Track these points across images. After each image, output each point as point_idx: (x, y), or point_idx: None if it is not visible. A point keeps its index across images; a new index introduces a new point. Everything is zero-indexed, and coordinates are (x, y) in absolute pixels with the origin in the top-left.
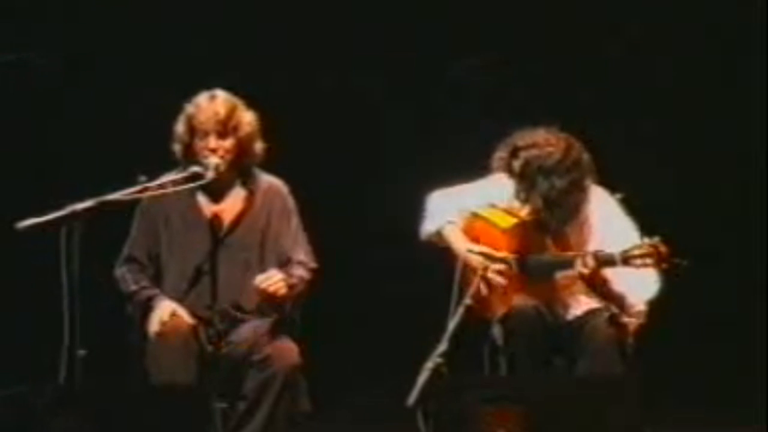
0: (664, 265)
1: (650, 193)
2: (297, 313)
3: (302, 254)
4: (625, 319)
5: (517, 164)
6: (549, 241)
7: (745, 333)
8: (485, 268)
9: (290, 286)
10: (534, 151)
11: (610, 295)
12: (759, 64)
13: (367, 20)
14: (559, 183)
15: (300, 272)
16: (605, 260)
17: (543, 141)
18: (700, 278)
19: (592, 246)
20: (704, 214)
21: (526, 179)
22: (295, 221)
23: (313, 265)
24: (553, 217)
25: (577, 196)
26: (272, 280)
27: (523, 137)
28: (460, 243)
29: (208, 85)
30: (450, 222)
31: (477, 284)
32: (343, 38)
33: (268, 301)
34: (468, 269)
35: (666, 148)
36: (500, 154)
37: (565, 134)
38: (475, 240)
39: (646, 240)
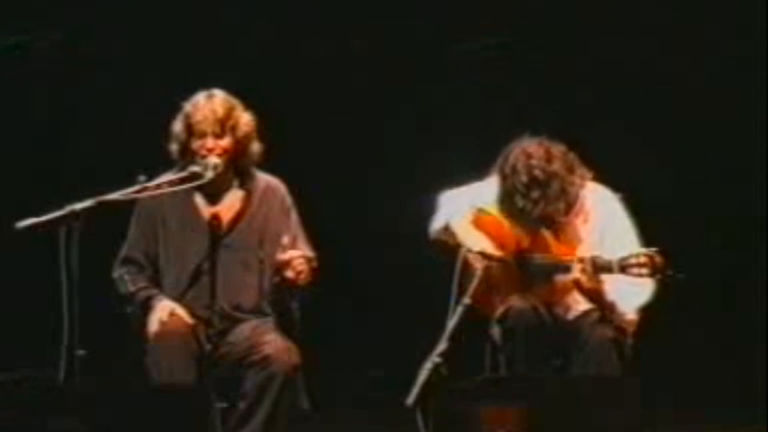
0: (658, 277)
1: (650, 193)
2: (297, 313)
3: (304, 250)
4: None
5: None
6: (553, 237)
7: (745, 333)
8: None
9: (307, 273)
10: (516, 181)
11: (601, 303)
12: (759, 64)
13: (367, 20)
14: (549, 192)
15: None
16: (603, 266)
17: (522, 166)
18: (700, 278)
19: (592, 242)
20: (704, 214)
21: (515, 208)
22: (294, 218)
23: (315, 263)
24: (554, 214)
25: (568, 194)
26: (299, 261)
27: (505, 161)
28: (464, 234)
29: (208, 85)
30: (459, 215)
31: (476, 283)
32: (343, 38)
33: (287, 282)
34: (467, 265)
35: (666, 148)
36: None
37: (545, 143)
38: (484, 235)
39: (643, 250)
